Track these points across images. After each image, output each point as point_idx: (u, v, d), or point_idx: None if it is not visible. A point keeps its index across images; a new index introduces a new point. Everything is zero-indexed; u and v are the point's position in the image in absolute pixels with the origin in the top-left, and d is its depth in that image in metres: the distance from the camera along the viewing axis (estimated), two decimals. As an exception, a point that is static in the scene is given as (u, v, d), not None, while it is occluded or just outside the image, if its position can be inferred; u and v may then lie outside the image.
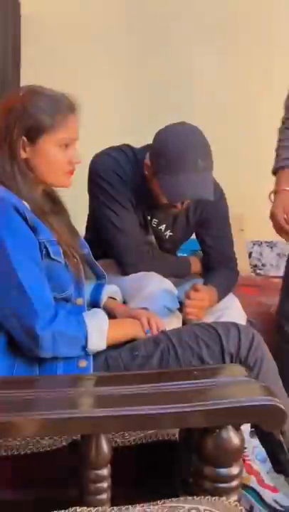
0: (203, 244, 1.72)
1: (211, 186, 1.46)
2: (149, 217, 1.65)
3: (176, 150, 1.42)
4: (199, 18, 2.68)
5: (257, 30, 2.69)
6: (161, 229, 1.68)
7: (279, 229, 1.62)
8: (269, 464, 1.42)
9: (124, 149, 1.64)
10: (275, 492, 1.46)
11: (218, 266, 1.67)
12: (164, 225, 1.67)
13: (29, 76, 2.40)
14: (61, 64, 2.46)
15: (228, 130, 2.60)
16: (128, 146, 1.66)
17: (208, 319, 1.49)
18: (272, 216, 1.61)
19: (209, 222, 1.68)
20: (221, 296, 1.57)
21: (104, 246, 1.61)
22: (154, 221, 1.66)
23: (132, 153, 1.63)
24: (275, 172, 1.66)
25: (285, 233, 1.61)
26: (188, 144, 1.43)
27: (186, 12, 2.66)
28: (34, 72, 2.41)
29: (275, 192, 1.63)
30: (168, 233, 1.69)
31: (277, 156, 1.67)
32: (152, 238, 1.69)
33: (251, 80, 2.71)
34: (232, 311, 1.59)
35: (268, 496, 1.45)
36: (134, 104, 2.59)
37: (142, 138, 1.63)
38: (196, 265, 1.75)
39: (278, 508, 1.42)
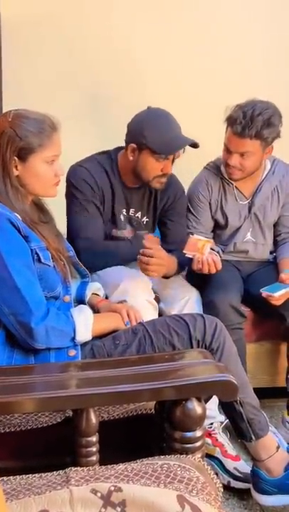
0: (163, 227, 2.00)
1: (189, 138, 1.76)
2: (124, 211, 1.88)
3: (157, 120, 1.75)
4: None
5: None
6: (138, 216, 1.93)
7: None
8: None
9: (97, 157, 1.87)
10: (236, 460, 1.69)
11: (172, 248, 1.86)
12: (140, 213, 1.92)
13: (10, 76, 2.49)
14: (42, 72, 2.52)
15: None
16: (102, 152, 1.89)
17: (174, 309, 1.75)
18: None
19: (172, 209, 1.96)
20: (176, 270, 1.83)
21: None
22: (132, 211, 1.90)
23: (105, 156, 1.87)
24: None
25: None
26: (163, 114, 1.77)
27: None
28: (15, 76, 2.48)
29: None
30: (144, 219, 1.95)
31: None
32: (123, 232, 1.92)
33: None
34: (192, 301, 1.82)
35: (230, 464, 1.68)
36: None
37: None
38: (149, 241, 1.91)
39: (237, 474, 1.65)
